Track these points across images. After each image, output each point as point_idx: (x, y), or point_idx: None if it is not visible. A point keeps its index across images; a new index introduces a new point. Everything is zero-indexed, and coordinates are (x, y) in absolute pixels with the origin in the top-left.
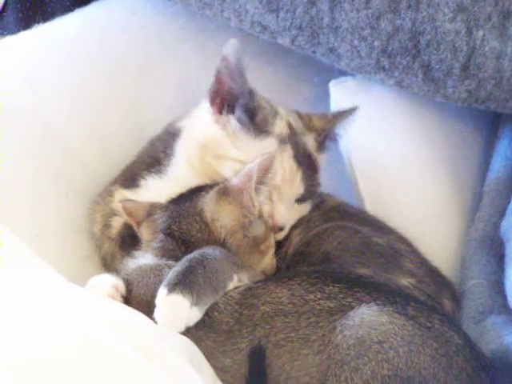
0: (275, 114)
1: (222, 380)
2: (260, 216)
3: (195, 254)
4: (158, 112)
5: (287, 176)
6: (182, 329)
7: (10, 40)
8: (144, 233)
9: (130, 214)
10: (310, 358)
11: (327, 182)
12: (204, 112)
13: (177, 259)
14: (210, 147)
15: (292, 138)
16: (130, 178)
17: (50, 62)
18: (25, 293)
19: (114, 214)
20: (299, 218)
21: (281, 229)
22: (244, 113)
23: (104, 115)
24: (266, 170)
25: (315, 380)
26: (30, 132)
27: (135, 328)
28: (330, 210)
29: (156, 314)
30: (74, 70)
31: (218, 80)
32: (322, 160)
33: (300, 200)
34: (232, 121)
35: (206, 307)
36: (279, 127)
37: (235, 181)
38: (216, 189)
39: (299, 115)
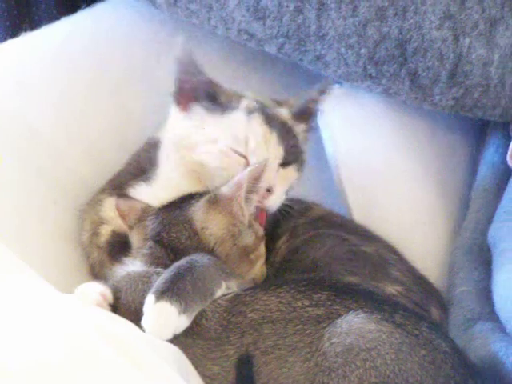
0: (241, 94)
1: None
2: (250, 225)
3: (183, 261)
4: (144, 119)
5: (260, 138)
6: (170, 336)
7: None
8: (134, 239)
9: (123, 216)
10: (298, 365)
11: (314, 191)
12: (173, 115)
13: (165, 266)
14: (183, 143)
15: (261, 109)
16: (118, 187)
17: (36, 68)
18: (11, 301)
19: (102, 222)
20: (285, 226)
21: (268, 190)
22: (206, 98)
23: (90, 121)
24: (256, 180)
25: None
26: (17, 138)
27: (122, 336)
28: (317, 219)
29: (144, 321)
30: (61, 77)
31: (177, 81)
32: (299, 128)
33: (284, 164)
34: (197, 109)
35: (194, 314)
36: (246, 103)
37: (225, 190)
38: (206, 197)
39: (272, 98)
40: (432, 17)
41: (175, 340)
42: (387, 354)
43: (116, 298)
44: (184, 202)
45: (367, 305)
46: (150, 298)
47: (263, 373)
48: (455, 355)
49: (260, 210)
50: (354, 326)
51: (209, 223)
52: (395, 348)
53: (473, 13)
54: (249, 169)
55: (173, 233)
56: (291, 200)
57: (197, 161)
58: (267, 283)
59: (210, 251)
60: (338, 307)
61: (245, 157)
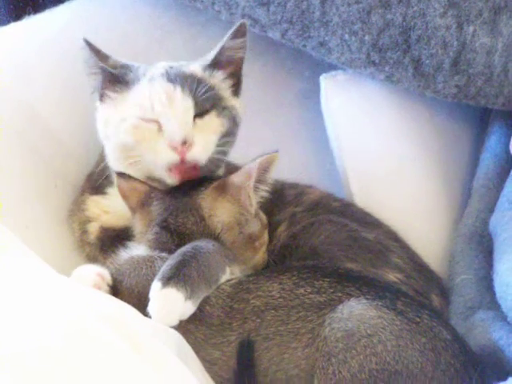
0: (146, 68)
1: (210, 372)
2: (256, 214)
3: (188, 247)
4: None
5: (163, 97)
6: (176, 323)
7: (1, 31)
8: (138, 223)
9: (125, 197)
10: (299, 351)
11: (317, 177)
12: (98, 112)
13: (170, 251)
14: (104, 130)
15: (166, 71)
16: (95, 186)
17: (38, 52)
18: (12, 283)
19: (89, 220)
20: (283, 214)
21: (185, 143)
22: (109, 82)
23: (91, 106)
24: (265, 170)
25: (304, 372)
26: (18, 122)
27: (122, 320)
28: (315, 205)
29: (150, 307)
30: (63, 61)
31: (90, 78)
32: (217, 77)
33: (200, 114)
34: (108, 95)
35: (199, 301)
36: (151, 72)
37: (234, 178)
38: (215, 184)
39: None
40: (436, 4)
41: (177, 325)
42: (388, 340)
43: (119, 281)
44: (192, 188)
45: (369, 292)
46: (156, 284)
47: (265, 358)
48: (456, 343)
49: (189, 166)
50: (355, 312)
51: (217, 211)
52: (396, 335)
53: (477, 1)
54: (259, 159)
55: (180, 219)
56: (284, 184)
57: (118, 144)
58: (270, 270)
59: (216, 238)
60: (339, 294)
61: (155, 121)
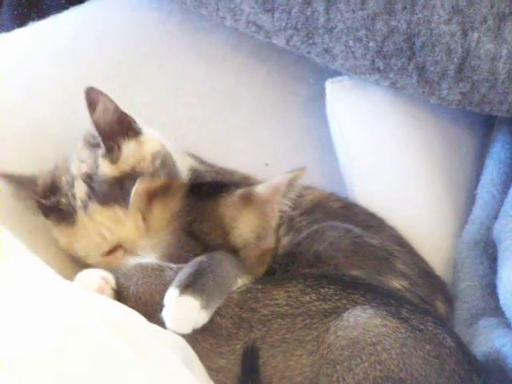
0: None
1: (216, 380)
2: (275, 229)
3: (204, 257)
4: (153, 110)
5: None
6: (189, 331)
7: (5, 37)
8: (154, 212)
9: None
10: (304, 358)
11: (322, 182)
12: None
13: (185, 259)
14: None
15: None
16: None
17: (46, 60)
18: (16, 288)
19: None
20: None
21: None
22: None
23: None
24: (291, 185)
25: (308, 380)
26: (22, 131)
27: (127, 325)
28: (312, 207)
29: (165, 314)
30: (70, 69)
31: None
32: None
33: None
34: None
35: (213, 311)
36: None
37: (261, 190)
38: (239, 193)
39: None
40: (441, 11)
41: (185, 335)
42: (392, 348)
43: (125, 286)
44: (212, 192)
45: (374, 299)
46: (173, 291)
47: (270, 365)
48: (460, 350)
49: None
50: (361, 320)
51: (240, 222)
52: (400, 342)
53: (481, 8)
54: (289, 174)
55: (205, 228)
56: None
57: None
58: (276, 278)
59: (235, 250)
60: (345, 301)
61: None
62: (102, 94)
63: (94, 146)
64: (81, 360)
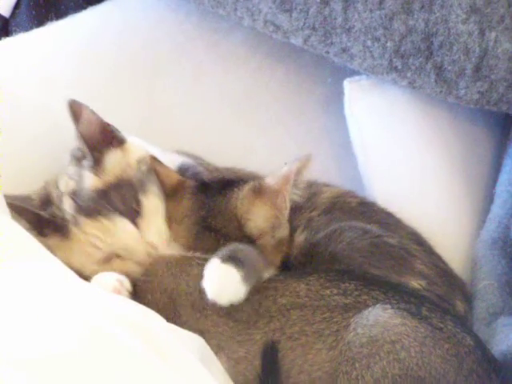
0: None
1: (236, 371)
2: (288, 219)
3: (235, 244)
4: (171, 111)
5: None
6: (227, 303)
7: (24, 37)
8: (169, 210)
9: (160, 180)
10: (323, 352)
11: (339, 180)
12: None
13: (206, 251)
14: None
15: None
16: None
17: (64, 61)
18: (34, 289)
19: None
20: (298, 220)
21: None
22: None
23: (116, 114)
24: (298, 174)
25: (327, 375)
26: (41, 131)
27: (145, 325)
28: (330, 207)
29: (205, 282)
30: (89, 69)
31: None
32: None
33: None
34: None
35: (249, 288)
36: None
37: (271, 181)
38: (250, 186)
39: None
40: (458, 10)
41: (208, 316)
42: (411, 346)
43: (145, 281)
44: (225, 187)
45: (394, 296)
46: (214, 260)
47: (288, 359)
48: (479, 349)
49: None
50: (381, 319)
51: (253, 214)
52: (419, 341)
53: (499, 7)
54: (296, 163)
55: (220, 222)
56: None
57: None
58: (297, 271)
59: (252, 242)
60: (365, 297)
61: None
62: (83, 106)
63: (79, 159)
64: (99, 360)
